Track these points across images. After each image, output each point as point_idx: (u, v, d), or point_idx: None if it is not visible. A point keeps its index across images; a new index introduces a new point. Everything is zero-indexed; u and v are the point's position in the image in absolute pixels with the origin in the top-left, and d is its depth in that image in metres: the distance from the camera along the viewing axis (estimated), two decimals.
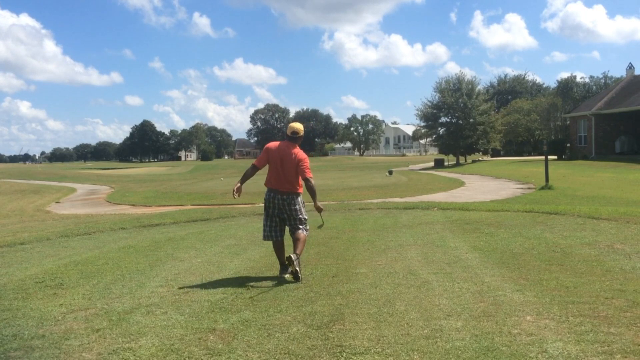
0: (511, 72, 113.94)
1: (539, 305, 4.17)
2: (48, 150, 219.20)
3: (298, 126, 5.73)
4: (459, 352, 3.31)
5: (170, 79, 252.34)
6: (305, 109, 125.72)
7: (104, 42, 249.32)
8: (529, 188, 19.22)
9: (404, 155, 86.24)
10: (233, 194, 5.50)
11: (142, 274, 5.96)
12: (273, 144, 5.73)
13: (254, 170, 5.62)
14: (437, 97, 43.77)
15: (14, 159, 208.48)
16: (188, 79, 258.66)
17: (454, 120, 43.28)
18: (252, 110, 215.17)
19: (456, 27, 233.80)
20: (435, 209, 11.90)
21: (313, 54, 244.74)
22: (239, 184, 5.52)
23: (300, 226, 5.59)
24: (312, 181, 5.51)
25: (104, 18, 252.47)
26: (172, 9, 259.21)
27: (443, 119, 44.32)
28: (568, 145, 38.24)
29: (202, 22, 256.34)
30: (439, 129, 44.96)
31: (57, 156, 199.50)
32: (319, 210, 5.59)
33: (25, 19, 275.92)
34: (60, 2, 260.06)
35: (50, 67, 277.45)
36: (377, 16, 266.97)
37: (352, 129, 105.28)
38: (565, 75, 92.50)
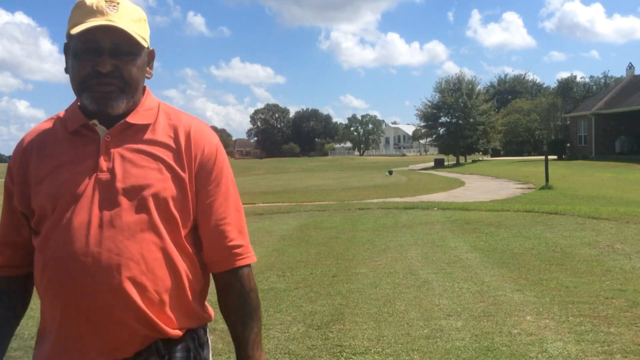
0: (511, 71, 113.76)
1: (539, 305, 4.17)
2: None
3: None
4: (459, 352, 3.31)
5: (168, 79, 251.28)
6: (305, 109, 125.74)
7: None
8: (529, 188, 19.21)
9: (404, 155, 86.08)
10: None
11: None
12: None
13: None
14: (437, 97, 43.77)
15: None
16: (186, 79, 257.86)
17: (454, 120, 43.24)
18: (251, 110, 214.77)
19: (454, 26, 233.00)
20: (435, 208, 11.90)
21: (310, 53, 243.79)
22: None
23: None
24: None
25: None
26: (167, 8, 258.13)
27: (443, 119, 44.29)
28: (568, 145, 38.21)
29: (196, 21, 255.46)
30: (439, 129, 44.93)
31: None
32: None
33: (20, 17, 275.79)
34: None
35: (47, 66, 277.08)
36: (374, 14, 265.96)
37: (352, 128, 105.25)
38: (564, 74, 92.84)
